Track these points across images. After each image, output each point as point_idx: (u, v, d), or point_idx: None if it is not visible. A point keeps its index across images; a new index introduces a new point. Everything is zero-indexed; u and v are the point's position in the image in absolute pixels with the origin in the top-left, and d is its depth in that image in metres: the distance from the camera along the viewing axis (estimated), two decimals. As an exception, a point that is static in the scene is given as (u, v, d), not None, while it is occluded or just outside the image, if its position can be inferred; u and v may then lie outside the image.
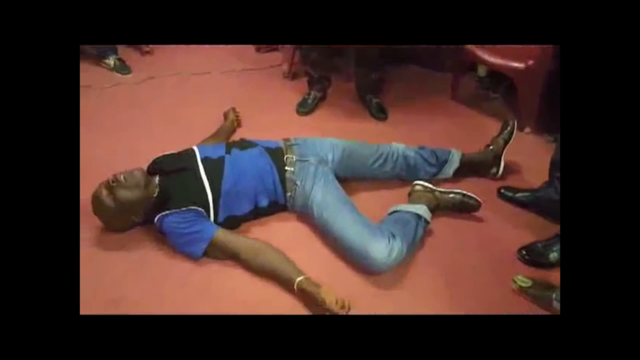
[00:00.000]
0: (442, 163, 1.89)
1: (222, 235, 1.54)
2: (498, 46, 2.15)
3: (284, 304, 1.43)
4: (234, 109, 2.19)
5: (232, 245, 1.53)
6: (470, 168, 1.93)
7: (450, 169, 1.89)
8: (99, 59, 2.61)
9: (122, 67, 2.60)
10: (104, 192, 1.54)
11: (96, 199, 1.56)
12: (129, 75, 2.58)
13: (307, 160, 1.71)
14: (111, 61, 2.59)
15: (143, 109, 2.31)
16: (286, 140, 1.79)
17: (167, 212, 1.54)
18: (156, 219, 1.56)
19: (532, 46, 2.03)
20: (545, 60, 2.05)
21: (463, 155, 1.91)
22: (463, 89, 2.49)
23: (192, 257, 1.55)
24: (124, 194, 1.54)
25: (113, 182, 1.52)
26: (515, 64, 2.13)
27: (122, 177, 1.54)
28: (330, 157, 1.76)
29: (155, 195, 1.58)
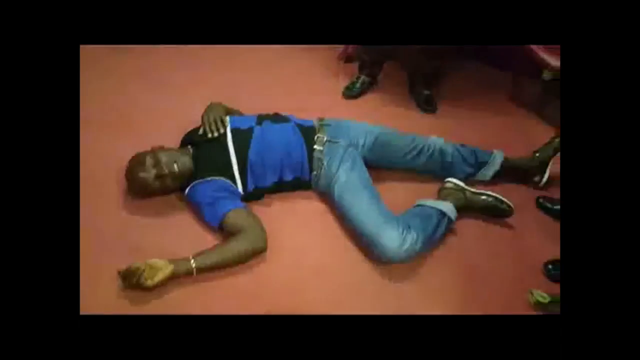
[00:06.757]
0: (481, 164, 1.79)
1: (232, 218, 1.50)
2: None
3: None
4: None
5: (237, 230, 1.48)
6: (512, 173, 1.82)
7: (489, 172, 1.79)
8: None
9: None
10: (152, 179, 1.52)
11: (142, 181, 1.53)
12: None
13: (338, 142, 1.69)
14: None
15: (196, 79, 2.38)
16: (320, 119, 1.77)
17: (194, 182, 1.56)
18: (187, 190, 1.58)
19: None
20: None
21: (506, 159, 1.80)
22: (527, 92, 2.34)
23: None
24: (173, 182, 1.56)
25: (165, 170, 1.52)
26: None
27: (175, 167, 1.54)
28: (361, 142, 1.73)
29: (191, 168, 1.58)
